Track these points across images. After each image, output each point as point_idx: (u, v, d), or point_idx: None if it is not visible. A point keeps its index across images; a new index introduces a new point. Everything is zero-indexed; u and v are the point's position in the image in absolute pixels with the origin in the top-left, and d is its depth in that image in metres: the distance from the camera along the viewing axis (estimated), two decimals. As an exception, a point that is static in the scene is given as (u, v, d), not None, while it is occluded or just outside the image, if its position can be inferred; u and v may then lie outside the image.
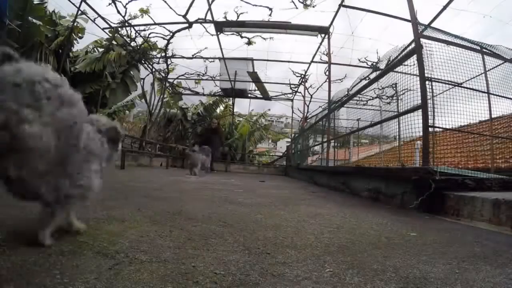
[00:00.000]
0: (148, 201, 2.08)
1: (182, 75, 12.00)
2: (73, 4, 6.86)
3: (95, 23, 8.03)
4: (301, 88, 12.08)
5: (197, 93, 13.86)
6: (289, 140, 15.70)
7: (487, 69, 3.66)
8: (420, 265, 1.03)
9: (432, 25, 5.29)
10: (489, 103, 3.72)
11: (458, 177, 2.48)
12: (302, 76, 11.42)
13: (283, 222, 1.69)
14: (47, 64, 0.98)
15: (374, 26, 10.23)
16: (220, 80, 12.30)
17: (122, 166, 6.57)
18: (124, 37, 9.03)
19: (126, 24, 8.31)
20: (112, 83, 8.95)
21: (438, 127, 2.80)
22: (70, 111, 0.91)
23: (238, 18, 7.82)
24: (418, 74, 2.72)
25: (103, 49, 8.73)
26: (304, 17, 13.66)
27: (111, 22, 8.22)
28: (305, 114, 11.64)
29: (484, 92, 3.54)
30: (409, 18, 3.18)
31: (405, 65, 3.15)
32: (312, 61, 10.07)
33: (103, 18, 7.95)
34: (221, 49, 9.91)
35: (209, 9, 7.46)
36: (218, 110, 16.28)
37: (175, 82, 12.77)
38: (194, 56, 10.47)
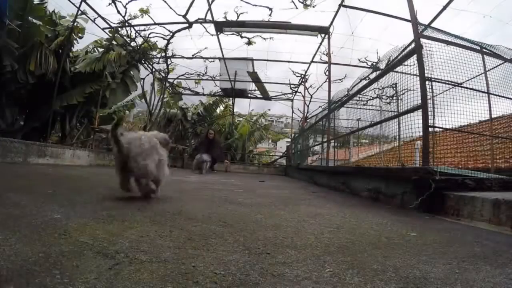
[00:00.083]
0: (148, 201, 2.08)
1: (182, 75, 11.99)
2: (73, 4, 6.86)
3: (95, 23, 8.03)
4: (301, 88, 12.08)
5: (197, 93, 13.86)
6: (289, 140, 15.70)
7: (487, 69, 3.66)
8: (420, 265, 1.03)
9: (432, 25, 5.30)
10: (489, 103, 3.72)
11: (458, 177, 2.47)
12: (302, 76, 11.42)
13: (283, 222, 1.69)
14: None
15: (374, 26, 10.24)
16: (220, 80, 12.30)
17: (122, 166, 6.56)
18: (124, 37, 9.03)
19: (126, 24, 8.31)
20: (112, 83, 8.94)
21: (438, 127, 2.80)
22: (155, 149, 2.13)
23: (238, 18, 7.82)
24: (418, 74, 2.72)
25: (103, 49, 8.72)
26: (304, 17, 13.67)
27: (111, 22, 8.22)
28: (305, 114, 11.64)
29: (484, 92, 3.54)
30: (409, 18, 3.18)
31: (405, 65, 3.15)
32: (312, 61, 10.07)
33: (103, 18, 7.95)
34: (221, 49, 9.91)
35: (209, 9, 7.47)
36: (218, 110, 16.29)
37: (175, 82, 12.77)
38: (194, 56, 10.47)
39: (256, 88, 12.98)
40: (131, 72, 9.87)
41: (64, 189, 2.30)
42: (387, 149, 6.27)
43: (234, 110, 15.13)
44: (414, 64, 2.87)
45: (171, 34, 8.85)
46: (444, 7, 5.83)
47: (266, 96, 13.29)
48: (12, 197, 1.72)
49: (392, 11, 6.78)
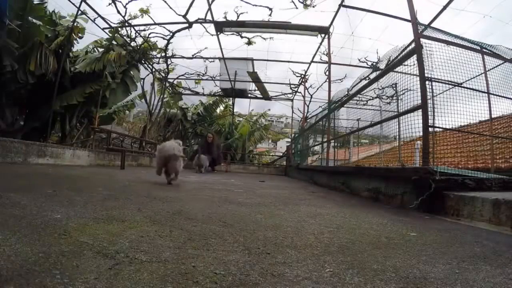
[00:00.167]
0: (148, 201, 2.08)
1: (182, 75, 12.00)
2: (73, 4, 6.87)
3: (95, 23, 8.04)
4: (301, 88, 12.09)
5: (197, 93, 13.86)
6: (289, 140, 15.71)
7: (487, 69, 3.66)
8: (420, 265, 1.03)
9: (432, 25, 5.30)
10: (489, 103, 3.72)
11: (458, 177, 2.47)
12: (302, 76, 11.42)
13: (283, 222, 1.69)
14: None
15: (374, 26, 10.23)
16: (220, 80, 12.30)
17: (122, 166, 6.57)
18: (124, 37, 9.03)
19: (126, 24, 8.32)
20: (112, 83, 8.94)
21: (438, 127, 2.79)
22: (179, 151, 3.43)
23: (238, 18, 7.82)
24: (418, 74, 2.72)
25: (103, 49, 8.72)
26: (304, 17, 13.63)
27: (111, 22, 8.23)
28: (305, 114, 11.64)
29: (484, 92, 3.54)
30: (409, 18, 3.18)
31: (405, 65, 3.15)
32: (312, 61, 10.07)
33: (103, 18, 7.95)
34: (221, 49, 9.91)
35: (209, 9, 7.47)
36: (218, 110, 16.30)
37: (175, 82, 12.77)
38: (194, 56, 10.48)
39: (256, 88, 12.98)
40: (131, 72, 9.88)
41: (64, 189, 2.30)
42: (387, 149, 6.26)
43: (234, 110, 15.14)
44: (414, 64, 2.87)
45: (171, 34, 8.86)
46: (444, 7, 5.84)
47: (266, 96, 13.30)
48: (12, 197, 1.72)
49: (392, 11, 6.79)
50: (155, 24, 8.52)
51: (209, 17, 7.78)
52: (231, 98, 14.29)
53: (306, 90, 11.58)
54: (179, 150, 3.43)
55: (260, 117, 17.00)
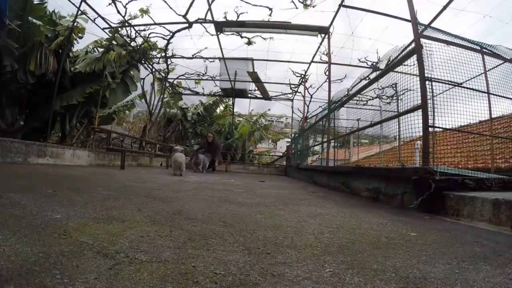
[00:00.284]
0: (148, 201, 2.08)
1: (182, 75, 12.01)
2: (73, 4, 6.87)
3: (95, 23, 8.04)
4: (301, 88, 12.09)
5: (197, 93, 13.87)
6: (289, 140, 15.70)
7: (487, 69, 3.66)
8: (420, 265, 1.03)
9: (432, 25, 5.30)
10: (489, 103, 3.72)
11: (458, 177, 2.47)
12: (302, 76, 11.42)
13: (283, 222, 1.69)
14: None
15: (374, 26, 10.20)
16: (220, 80, 12.31)
17: (122, 166, 6.57)
18: (124, 37, 9.03)
19: (126, 24, 8.32)
20: (112, 83, 8.95)
21: (438, 127, 2.79)
22: (184, 159, 5.82)
23: (238, 18, 7.82)
24: (418, 74, 2.72)
25: (103, 49, 8.73)
26: (304, 17, 13.65)
27: (111, 22, 8.23)
28: (305, 114, 11.65)
29: (484, 92, 3.54)
30: (409, 18, 3.18)
31: (405, 65, 3.15)
32: (312, 61, 10.07)
33: (103, 18, 7.96)
34: (221, 49, 9.91)
35: (209, 9, 7.47)
36: (218, 110, 16.31)
37: (175, 82, 12.77)
38: (194, 56, 10.48)
39: (256, 88, 12.98)
40: (131, 72, 9.88)
41: (64, 189, 2.30)
42: (387, 149, 6.26)
43: (234, 110, 15.14)
44: (414, 64, 2.87)
45: (171, 34, 8.86)
46: (444, 7, 5.84)
47: (266, 96, 13.30)
48: (12, 197, 1.72)
49: (392, 11, 6.80)
50: (155, 24, 8.52)
51: (209, 17, 7.78)
52: (231, 98, 14.29)
53: (306, 90, 11.58)
54: (184, 159, 5.88)
55: (260, 117, 17.00)
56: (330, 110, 6.32)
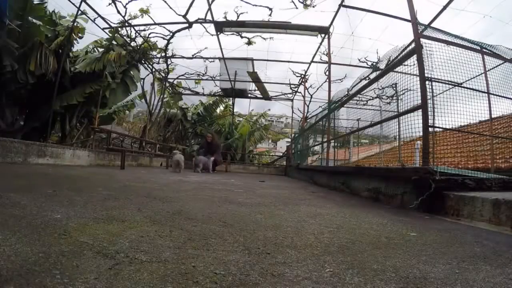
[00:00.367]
0: (148, 201, 2.08)
1: (182, 75, 12.01)
2: (73, 4, 6.87)
3: (95, 23, 8.04)
4: (301, 88, 12.09)
5: (197, 93, 13.87)
6: (289, 140, 15.70)
7: (487, 69, 3.66)
8: (420, 265, 1.03)
9: (432, 25, 5.31)
10: (489, 103, 3.72)
11: (458, 177, 2.47)
12: (302, 76, 11.42)
13: (283, 222, 1.69)
14: None
15: (374, 26, 10.20)
16: (220, 80, 12.31)
17: (122, 166, 6.57)
18: (124, 37, 9.03)
19: (126, 24, 8.32)
20: (112, 83, 8.94)
21: (438, 127, 2.79)
22: (183, 159, 7.18)
23: (238, 18, 7.83)
24: (418, 74, 2.72)
25: (103, 49, 8.73)
26: (304, 17, 13.64)
27: (111, 22, 8.23)
28: (305, 114, 11.65)
29: (484, 92, 3.54)
30: (409, 18, 3.18)
31: (405, 65, 3.15)
32: (312, 61, 10.08)
33: (103, 18, 7.96)
34: (221, 49, 9.91)
35: (209, 9, 7.47)
36: (218, 110, 16.30)
37: (175, 82, 12.77)
38: (194, 56, 10.49)
39: (256, 88, 12.98)
40: (131, 72, 9.88)
41: (64, 189, 2.30)
42: (387, 149, 6.26)
43: (234, 110, 15.14)
44: (414, 64, 2.87)
45: (171, 34, 8.86)
46: (444, 7, 5.84)
47: (266, 96, 13.30)
48: (12, 197, 1.72)
49: (392, 11, 6.80)
50: (155, 24, 8.53)
51: (209, 17, 7.78)
52: (231, 98, 14.29)
53: (306, 90, 11.58)
54: (182, 159, 7.05)
55: (260, 117, 17.00)
56: (330, 110, 6.32)
